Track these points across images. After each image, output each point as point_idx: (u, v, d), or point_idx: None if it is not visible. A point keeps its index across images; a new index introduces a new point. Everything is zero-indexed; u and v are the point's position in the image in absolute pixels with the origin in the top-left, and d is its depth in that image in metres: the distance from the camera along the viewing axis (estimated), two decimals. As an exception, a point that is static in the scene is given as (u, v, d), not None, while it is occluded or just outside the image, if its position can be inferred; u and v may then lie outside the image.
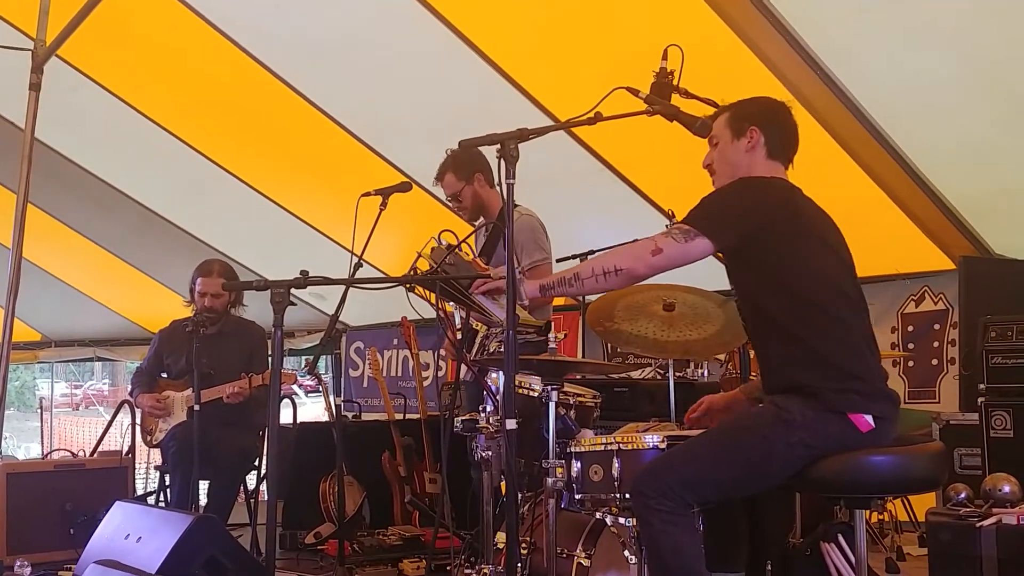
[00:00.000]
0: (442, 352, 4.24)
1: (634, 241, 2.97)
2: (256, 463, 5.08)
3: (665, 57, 3.26)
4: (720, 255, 2.93)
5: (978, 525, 3.04)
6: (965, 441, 4.66)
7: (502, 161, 2.68)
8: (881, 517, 4.95)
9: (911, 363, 5.64)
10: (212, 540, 3.50)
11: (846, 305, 2.82)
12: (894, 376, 5.65)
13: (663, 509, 2.64)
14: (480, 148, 3.46)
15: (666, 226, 3.14)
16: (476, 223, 4.34)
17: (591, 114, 2.82)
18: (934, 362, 5.58)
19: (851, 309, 2.83)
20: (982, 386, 4.52)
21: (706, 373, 4.68)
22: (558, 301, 5.58)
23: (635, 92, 3.06)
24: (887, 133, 4.77)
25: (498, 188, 4.27)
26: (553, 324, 3.39)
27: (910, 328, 5.70)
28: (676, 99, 3.25)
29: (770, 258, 2.79)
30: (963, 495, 3.27)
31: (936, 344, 5.58)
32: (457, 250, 3.00)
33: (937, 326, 5.58)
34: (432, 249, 3.04)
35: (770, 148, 2.97)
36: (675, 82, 3.29)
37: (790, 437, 2.64)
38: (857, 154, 4.98)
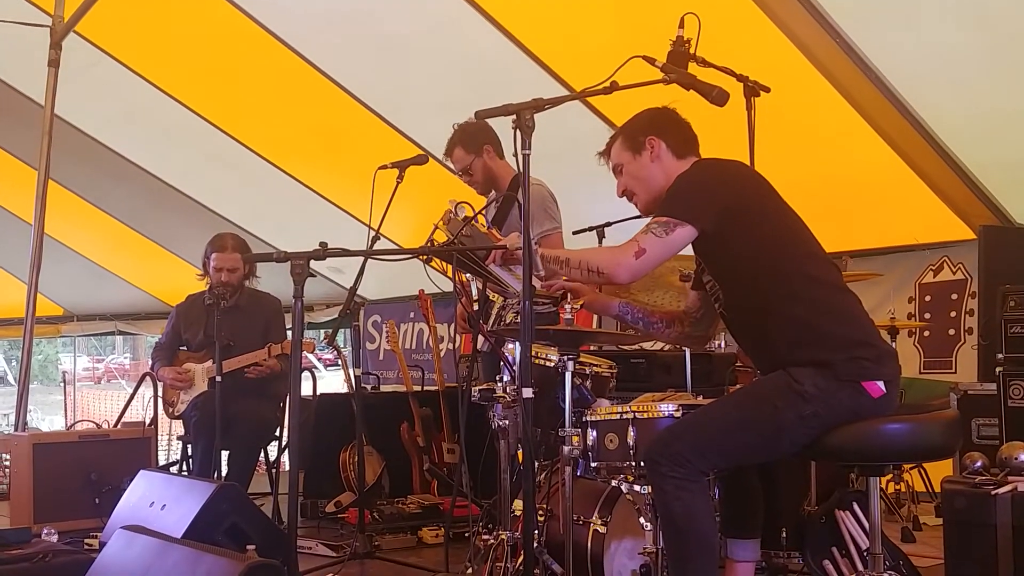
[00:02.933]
0: (457, 316, 4.26)
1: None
2: (277, 433, 5.14)
3: (682, 26, 3.26)
4: (696, 250, 2.91)
5: (993, 493, 3.04)
6: (983, 411, 4.64)
7: (518, 132, 2.68)
8: (898, 487, 4.96)
9: (927, 333, 5.63)
10: (234, 508, 3.55)
11: (831, 271, 2.82)
12: (909, 346, 5.64)
13: (675, 476, 2.65)
14: (489, 120, 3.47)
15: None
16: (488, 195, 4.35)
17: (607, 83, 2.81)
18: (951, 332, 5.56)
19: (837, 274, 2.84)
20: (1000, 356, 4.49)
21: (723, 344, 4.67)
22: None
23: (651, 61, 3.06)
24: (907, 102, 4.74)
25: (508, 159, 4.28)
26: (569, 295, 3.41)
27: (927, 298, 5.68)
28: (693, 68, 3.24)
29: (751, 236, 2.77)
30: (979, 463, 3.26)
31: (953, 314, 5.56)
32: (473, 221, 3.02)
33: (955, 296, 5.56)
34: (448, 220, 3.06)
35: (675, 149, 2.96)
36: (692, 51, 3.28)
37: (803, 409, 2.64)
38: (877, 124, 4.95)
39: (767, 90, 3.55)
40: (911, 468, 4.96)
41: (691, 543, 2.68)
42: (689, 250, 3.19)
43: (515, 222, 4.05)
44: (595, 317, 4.79)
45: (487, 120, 3.61)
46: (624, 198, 3.07)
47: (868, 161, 5.21)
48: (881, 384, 2.66)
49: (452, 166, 4.42)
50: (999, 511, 2.97)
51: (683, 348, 4.42)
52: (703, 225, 2.76)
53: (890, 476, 4.86)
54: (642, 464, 2.85)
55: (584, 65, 5.11)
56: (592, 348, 4.47)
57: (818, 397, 2.63)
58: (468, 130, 4.26)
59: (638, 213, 3.11)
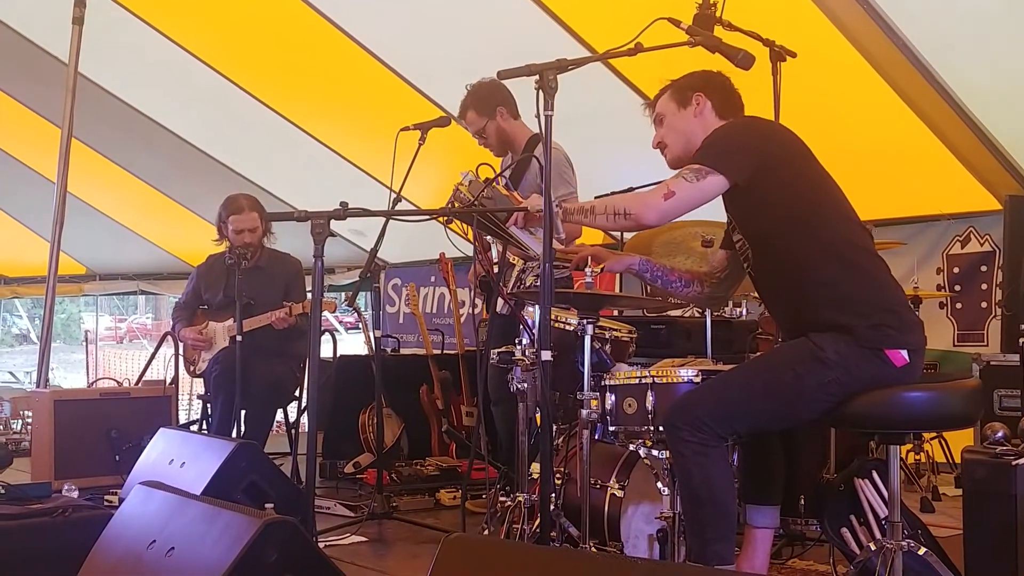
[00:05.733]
0: (470, 277, 4.24)
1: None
2: (296, 393, 5.17)
3: (708, -12, 3.21)
4: (727, 207, 2.88)
5: (1014, 463, 3.01)
6: (1006, 382, 4.62)
7: (540, 93, 2.66)
8: (918, 458, 4.94)
9: (959, 305, 5.59)
10: (253, 466, 3.58)
11: (864, 236, 2.79)
12: (942, 318, 5.61)
13: (695, 441, 2.65)
14: (502, 80, 3.43)
15: None
16: (504, 157, 4.31)
17: (631, 45, 2.78)
18: (983, 305, 5.52)
19: (868, 240, 2.81)
20: (1023, 327, 4.46)
21: (744, 312, 4.65)
22: (596, 237, 5.56)
23: (677, 23, 3.02)
24: (935, 70, 4.67)
25: (524, 119, 4.23)
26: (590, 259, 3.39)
27: (956, 270, 5.63)
28: (719, 31, 3.21)
29: (785, 193, 2.74)
30: (1000, 434, 3.24)
31: (984, 286, 5.51)
32: (494, 183, 3.00)
33: (985, 268, 5.51)
34: (469, 183, 3.04)
35: (718, 109, 2.94)
36: (718, 14, 3.25)
37: (824, 376, 2.63)
38: (904, 91, 4.89)
39: (793, 55, 3.51)
40: (932, 438, 4.95)
41: (709, 508, 2.69)
42: (712, 214, 3.17)
43: (530, 184, 4.03)
44: (617, 280, 4.77)
45: (503, 80, 3.57)
46: (657, 150, 3.05)
47: (893, 129, 5.14)
48: (904, 353, 2.64)
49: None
50: (1019, 481, 2.94)
51: (703, 313, 4.41)
52: (736, 178, 2.73)
53: (910, 446, 4.84)
54: (660, 429, 2.85)
55: (609, 28, 5.05)
56: (614, 313, 4.45)
57: (840, 364, 2.61)
58: (480, 92, 4.20)
59: (660, 179, 3.08)
